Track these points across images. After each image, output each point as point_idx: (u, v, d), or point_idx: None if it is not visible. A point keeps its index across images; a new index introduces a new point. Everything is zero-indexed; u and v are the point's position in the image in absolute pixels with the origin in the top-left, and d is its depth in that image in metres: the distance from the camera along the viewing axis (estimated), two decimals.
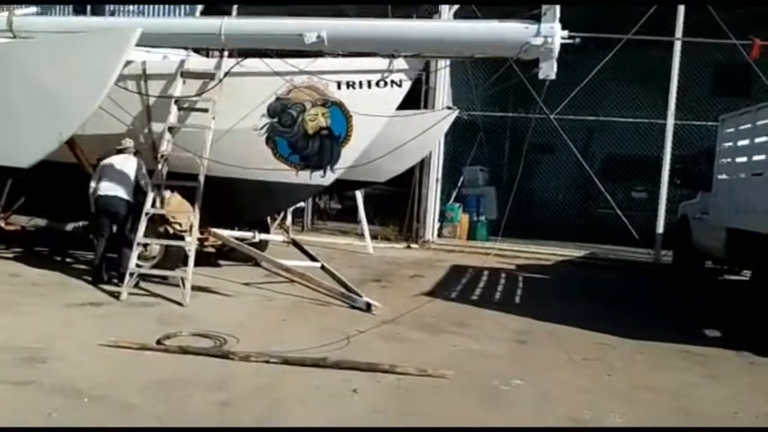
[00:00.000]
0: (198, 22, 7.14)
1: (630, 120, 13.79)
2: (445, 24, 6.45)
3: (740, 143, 8.36)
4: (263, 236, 10.04)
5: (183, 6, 15.79)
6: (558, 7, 5.85)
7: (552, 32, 5.78)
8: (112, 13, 10.07)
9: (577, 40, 5.97)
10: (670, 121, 12.68)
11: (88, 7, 10.38)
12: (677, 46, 12.45)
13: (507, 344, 6.70)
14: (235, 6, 8.20)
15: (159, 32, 7.35)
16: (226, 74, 7.96)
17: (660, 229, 12.74)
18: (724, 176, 8.89)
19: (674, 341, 6.92)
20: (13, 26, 7.54)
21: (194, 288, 7.68)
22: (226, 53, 8.16)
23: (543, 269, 11.97)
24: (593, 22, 14.02)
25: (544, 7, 5.89)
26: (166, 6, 15.82)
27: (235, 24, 6.79)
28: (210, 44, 7.33)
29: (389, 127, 8.49)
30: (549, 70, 5.88)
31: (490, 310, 8.03)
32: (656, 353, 6.59)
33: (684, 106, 12.82)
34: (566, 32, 5.82)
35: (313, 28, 6.34)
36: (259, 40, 6.84)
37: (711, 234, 9.49)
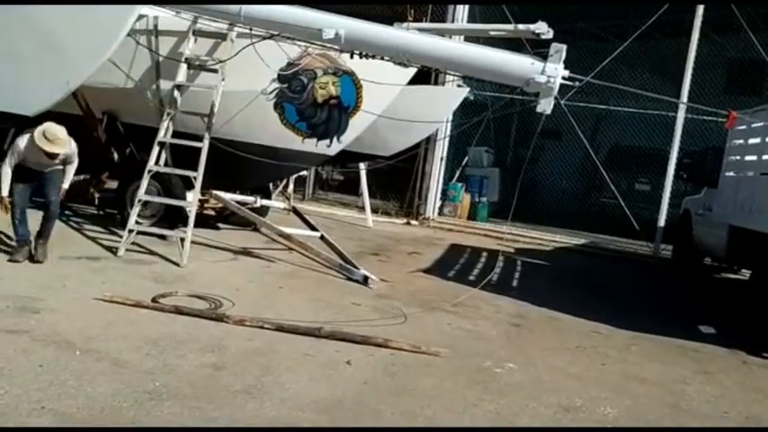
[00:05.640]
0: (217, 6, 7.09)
1: (641, 110, 13.69)
2: (460, 47, 6.64)
3: (751, 141, 8.28)
4: (265, 202, 9.98)
5: None
6: (564, 49, 6.12)
7: (555, 73, 6.10)
8: None
9: (576, 83, 6.25)
10: (681, 115, 12.58)
11: None
12: (694, 39, 12.33)
13: (502, 326, 6.69)
14: None
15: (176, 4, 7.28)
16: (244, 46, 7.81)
17: (662, 222, 12.70)
18: (731, 174, 8.83)
19: (669, 335, 6.92)
20: None
21: (192, 249, 7.65)
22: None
23: (542, 254, 11.95)
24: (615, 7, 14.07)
25: (552, 48, 6.15)
26: None
27: (255, 9, 6.75)
28: (228, 20, 7.33)
29: (399, 101, 8.42)
30: (546, 106, 6.22)
31: (487, 292, 7.99)
32: (650, 345, 6.59)
33: (696, 101, 12.71)
34: (567, 72, 6.10)
35: (333, 24, 6.36)
36: (277, 26, 6.84)
37: (713, 231, 9.45)
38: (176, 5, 7.40)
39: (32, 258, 6.72)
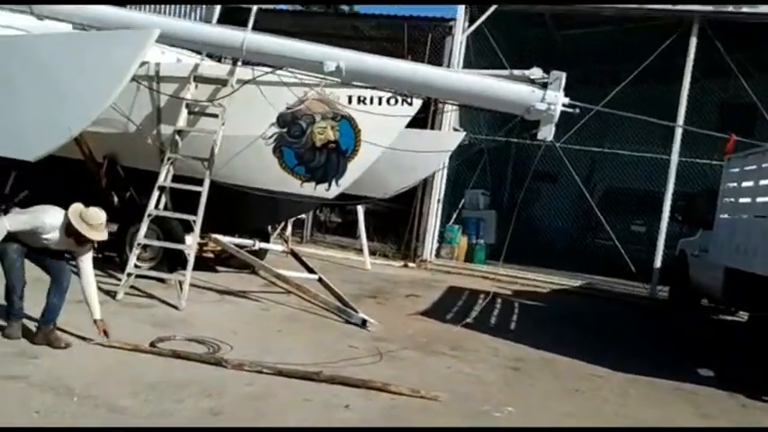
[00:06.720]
0: (220, 33, 7.21)
1: (635, 153, 13.84)
2: (461, 76, 6.80)
3: (744, 184, 8.37)
4: (263, 245, 10.03)
5: (200, 6, 16.31)
6: (563, 77, 6.24)
7: (556, 100, 6.24)
8: None
9: (577, 110, 6.38)
10: (674, 158, 12.72)
11: None
12: (685, 83, 12.55)
13: (500, 369, 6.68)
14: (252, 13, 8.26)
15: (179, 35, 7.37)
16: (244, 82, 8.01)
17: (658, 263, 12.74)
18: (726, 216, 8.90)
19: (667, 377, 6.90)
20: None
21: (191, 292, 7.65)
22: (240, 61, 8.20)
23: (539, 296, 11.95)
24: (608, 53, 14.34)
25: (552, 75, 6.26)
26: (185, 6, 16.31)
27: (257, 41, 6.88)
28: (230, 54, 7.44)
29: (397, 144, 8.53)
30: (547, 133, 6.31)
31: (485, 335, 8.01)
32: (648, 388, 6.57)
33: (689, 143, 12.88)
34: (567, 99, 6.19)
35: (333, 57, 6.49)
36: (279, 59, 6.95)
37: (709, 272, 9.49)
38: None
39: (52, 345, 5.57)
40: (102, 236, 5.73)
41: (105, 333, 5.75)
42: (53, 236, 5.65)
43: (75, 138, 7.50)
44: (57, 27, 7.98)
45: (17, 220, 5.66)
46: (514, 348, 7.56)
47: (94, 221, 5.60)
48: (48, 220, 5.63)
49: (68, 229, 5.57)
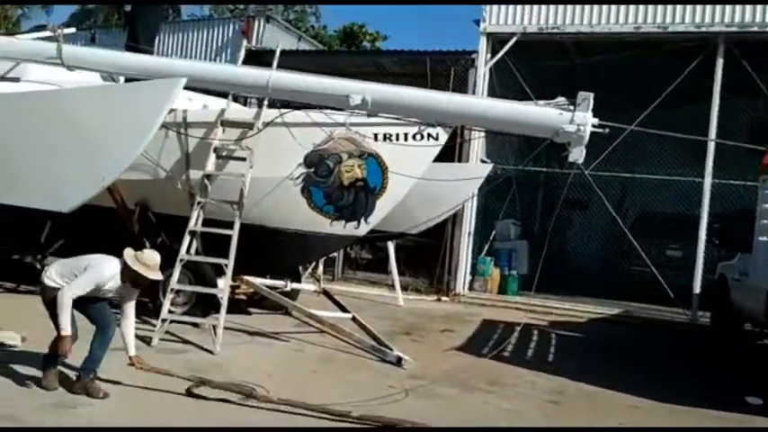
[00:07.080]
0: (247, 73, 7.34)
1: (666, 177, 13.67)
2: (486, 102, 6.79)
3: None
4: (295, 285, 10.01)
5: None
6: (591, 97, 6.19)
7: (585, 121, 6.17)
8: None
9: (606, 130, 6.31)
10: (707, 180, 12.53)
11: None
12: (714, 104, 12.42)
13: (539, 404, 6.55)
14: (276, 54, 8.37)
15: (206, 78, 7.50)
16: (267, 124, 8.10)
17: (697, 288, 12.46)
18: (765, 238, 8.71)
19: (713, 407, 6.70)
20: (62, 54, 7.51)
21: (225, 335, 7.65)
22: (266, 102, 8.31)
23: (576, 327, 11.74)
24: (631, 78, 14.28)
25: (579, 96, 6.23)
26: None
27: (283, 78, 6.99)
28: (256, 94, 7.54)
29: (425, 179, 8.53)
30: (578, 155, 6.25)
31: (522, 368, 7.88)
32: (693, 419, 6.38)
33: (721, 164, 12.69)
34: (596, 120, 6.14)
35: (359, 90, 6.54)
36: (305, 95, 7.03)
37: (751, 296, 9.25)
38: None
39: (90, 394, 5.57)
40: (158, 276, 5.81)
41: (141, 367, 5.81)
42: (112, 285, 5.67)
43: (107, 186, 7.63)
44: (89, 76, 8.22)
45: (79, 285, 5.53)
46: (553, 381, 7.42)
47: (151, 262, 5.65)
48: (107, 271, 5.63)
49: (126, 272, 5.60)
